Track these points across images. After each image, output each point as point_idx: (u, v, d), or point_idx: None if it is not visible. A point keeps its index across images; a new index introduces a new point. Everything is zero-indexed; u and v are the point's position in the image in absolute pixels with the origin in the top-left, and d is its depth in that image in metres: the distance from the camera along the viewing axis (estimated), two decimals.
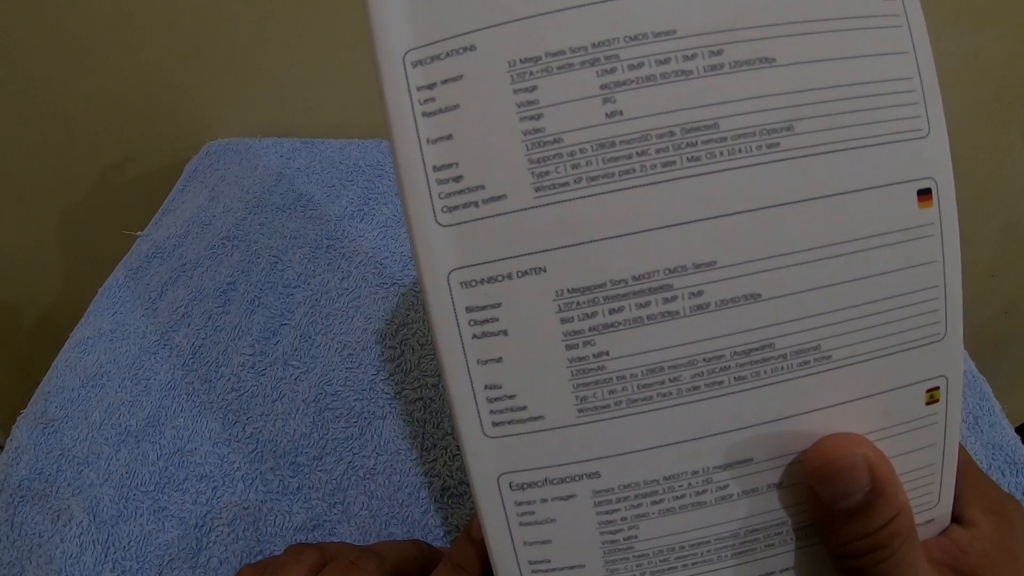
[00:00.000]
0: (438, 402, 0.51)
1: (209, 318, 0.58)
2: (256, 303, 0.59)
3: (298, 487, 0.47)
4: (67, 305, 0.97)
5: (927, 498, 0.28)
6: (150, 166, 0.86)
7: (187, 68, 0.78)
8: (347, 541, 0.42)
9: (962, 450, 0.28)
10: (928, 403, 0.26)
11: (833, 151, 0.24)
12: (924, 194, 0.25)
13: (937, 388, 0.26)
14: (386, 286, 0.60)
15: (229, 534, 0.45)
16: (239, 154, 0.77)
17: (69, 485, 0.48)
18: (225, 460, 0.49)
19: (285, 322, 0.58)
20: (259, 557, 0.44)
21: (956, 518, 0.29)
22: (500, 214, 0.24)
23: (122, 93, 0.80)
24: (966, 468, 0.29)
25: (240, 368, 0.54)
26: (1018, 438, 0.46)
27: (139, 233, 0.69)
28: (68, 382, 0.55)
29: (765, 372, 0.25)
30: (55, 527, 0.46)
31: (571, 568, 0.27)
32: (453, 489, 0.46)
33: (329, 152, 0.76)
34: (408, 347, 0.55)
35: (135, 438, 0.50)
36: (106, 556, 0.44)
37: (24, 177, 0.88)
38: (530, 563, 0.27)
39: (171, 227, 0.69)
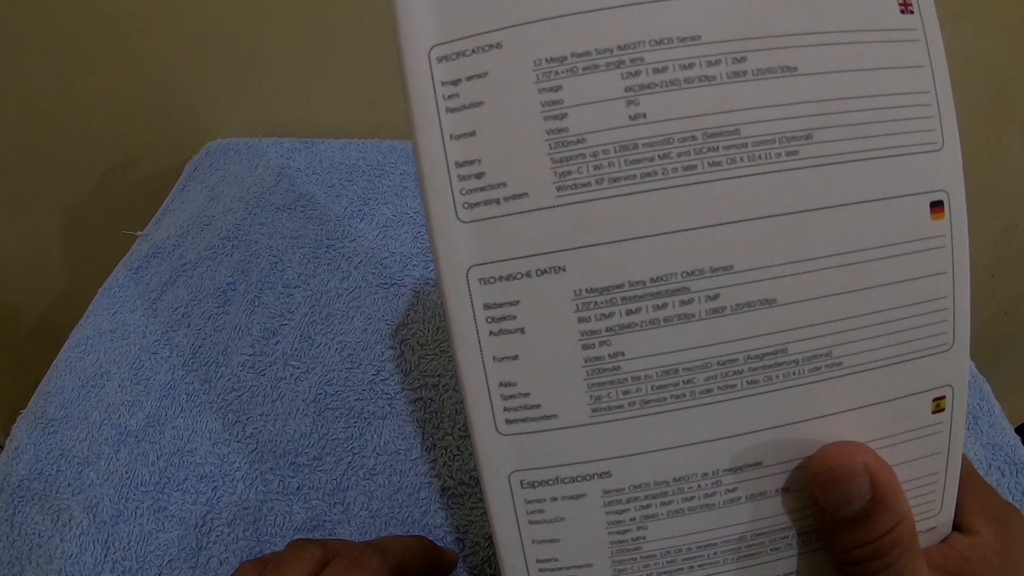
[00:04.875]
0: (438, 402, 0.51)
1: (209, 318, 0.58)
2: (256, 303, 0.59)
3: (298, 487, 0.47)
4: (67, 305, 0.96)
5: (930, 506, 0.28)
6: (150, 166, 0.86)
7: (187, 68, 0.78)
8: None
9: (964, 459, 0.28)
10: (934, 412, 0.27)
11: (850, 161, 0.24)
12: (936, 206, 0.25)
13: (943, 397, 0.26)
14: (386, 286, 0.60)
15: (229, 534, 0.45)
16: (239, 154, 0.77)
17: (69, 485, 0.48)
18: (225, 460, 0.49)
19: (285, 322, 0.58)
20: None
21: (957, 526, 0.29)
22: (521, 212, 0.24)
23: (122, 93, 0.80)
24: (967, 476, 0.29)
25: (240, 368, 0.54)
26: (1018, 438, 0.47)
27: (139, 233, 0.69)
28: (68, 382, 0.54)
29: (777, 377, 0.25)
30: (55, 527, 0.45)
31: (578, 567, 0.27)
32: (453, 489, 0.46)
33: (329, 152, 0.76)
34: (408, 347, 0.55)
35: (135, 438, 0.50)
36: (106, 556, 0.44)
37: (24, 177, 0.88)
38: (538, 561, 0.27)
39: (171, 227, 0.68)
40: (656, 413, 0.25)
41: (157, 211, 0.72)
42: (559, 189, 0.24)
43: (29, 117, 0.82)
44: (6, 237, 0.93)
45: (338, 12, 0.72)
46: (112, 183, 0.87)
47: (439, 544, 0.42)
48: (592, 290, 0.24)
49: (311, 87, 0.79)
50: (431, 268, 0.62)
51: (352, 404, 0.52)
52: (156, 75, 0.78)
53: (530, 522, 0.27)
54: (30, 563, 0.44)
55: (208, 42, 0.75)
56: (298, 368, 0.54)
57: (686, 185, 0.23)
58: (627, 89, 0.23)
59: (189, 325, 0.58)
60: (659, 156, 0.23)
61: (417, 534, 0.43)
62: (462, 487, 0.46)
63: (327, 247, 0.64)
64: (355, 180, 0.72)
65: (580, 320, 0.24)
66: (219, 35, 0.75)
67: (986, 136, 0.76)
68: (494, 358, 0.25)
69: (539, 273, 0.24)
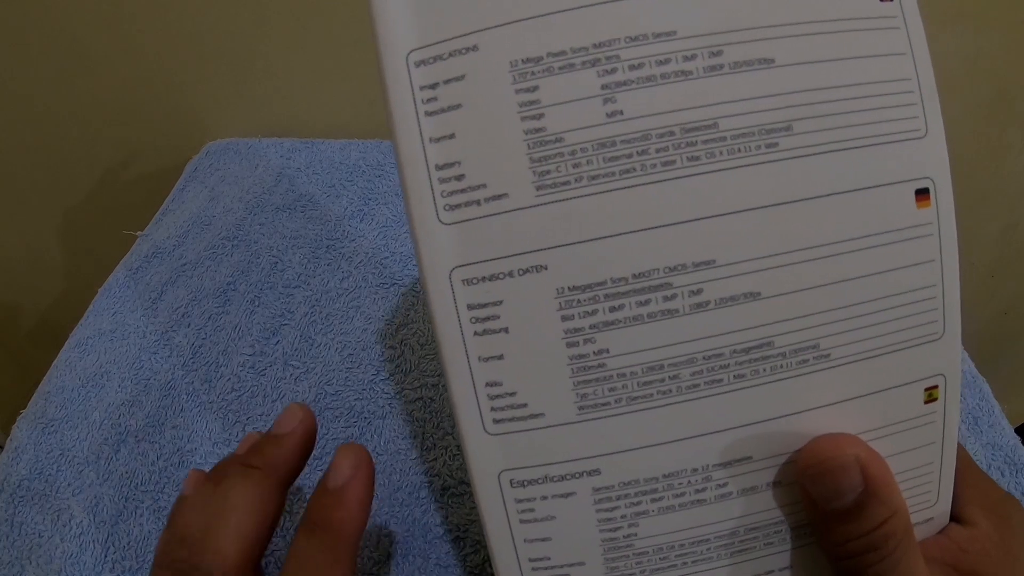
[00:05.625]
0: (438, 402, 0.51)
1: (209, 318, 0.58)
2: (256, 303, 0.59)
3: (298, 487, 0.47)
4: (67, 305, 0.96)
5: (926, 497, 0.28)
6: (150, 166, 0.86)
7: (187, 68, 0.78)
8: None
9: (961, 449, 0.28)
10: (926, 401, 0.26)
11: (832, 151, 0.24)
12: (922, 194, 0.25)
13: (935, 387, 0.26)
14: (386, 286, 0.60)
15: None
16: (239, 154, 0.77)
17: (69, 485, 0.48)
18: None
19: (285, 322, 0.58)
20: None
21: (955, 517, 0.29)
22: (502, 212, 0.24)
23: (122, 93, 0.80)
24: (965, 467, 0.29)
25: (240, 368, 0.54)
26: (1018, 438, 0.46)
27: (139, 233, 0.69)
28: (68, 382, 0.55)
29: (764, 370, 0.25)
30: (55, 527, 0.46)
31: (571, 566, 0.27)
32: (453, 489, 0.46)
33: (329, 152, 0.76)
34: (408, 347, 0.55)
35: (135, 438, 0.50)
36: (106, 556, 0.44)
37: (24, 177, 0.88)
38: (530, 560, 0.27)
39: (171, 227, 0.69)
40: (643, 409, 0.25)
41: (157, 211, 0.72)
42: (539, 188, 0.24)
43: (29, 117, 0.82)
44: (6, 237, 0.94)
45: (338, 12, 0.72)
46: (112, 183, 0.87)
47: (437, 544, 0.42)
48: (574, 288, 0.24)
49: (311, 87, 0.79)
50: None
51: (352, 404, 0.52)
52: (156, 75, 0.78)
53: (521, 521, 0.27)
54: (30, 563, 0.44)
55: (208, 42, 0.76)
56: (298, 368, 0.54)
57: (665, 180, 0.24)
58: (603, 87, 0.23)
59: (189, 325, 0.58)
60: (637, 152, 0.23)
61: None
62: (462, 486, 0.46)
63: (327, 247, 0.64)
64: (355, 180, 0.72)
65: (563, 318, 0.24)
66: (219, 35, 0.75)
67: (986, 136, 0.76)
68: (479, 358, 0.25)
69: (521, 272, 0.24)
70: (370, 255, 0.63)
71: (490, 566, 0.43)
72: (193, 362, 0.55)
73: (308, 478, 0.47)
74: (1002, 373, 0.96)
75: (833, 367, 0.25)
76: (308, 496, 0.46)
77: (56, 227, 0.92)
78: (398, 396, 0.52)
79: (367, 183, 0.71)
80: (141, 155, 0.85)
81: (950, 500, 0.28)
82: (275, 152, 0.77)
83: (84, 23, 0.74)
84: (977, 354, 0.52)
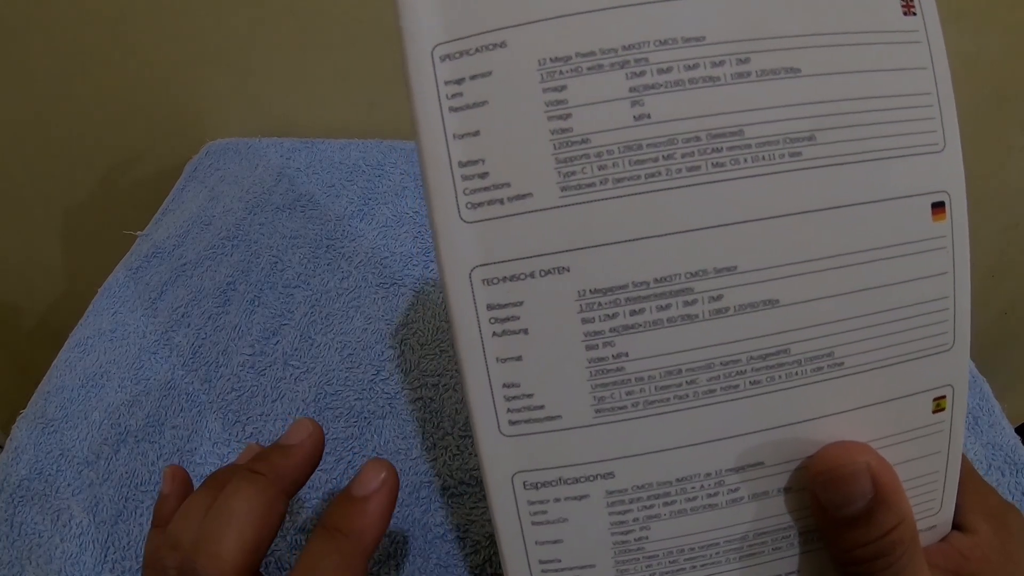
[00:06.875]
0: (438, 401, 0.51)
1: (209, 318, 0.58)
2: (256, 303, 0.59)
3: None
4: (67, 305, 0.96)
5: (930, 504, 0.28)
6: (150, 166, 0.86)
7: (187, 68, 0.78)
8: None
9: (963, 458, 0.28)
10: (935, 411, 0.27)
11: (853, 162, 0.24)
12: (938, 207, 0.25)
13: (944, 397, 0.27)
14: (386, 286, 0.60)
15: None
16: (239, 154, 0.77)
17: (69, 485, 0.48)
18: (225, 460, 0.49)
19: (285, 322, 0.58)
20: None
21: (957, 524, 0.29)
22: (525, 212, 0.24)
23: (122, 93, 0.80)
24: (966, 475, 0.29)
25: (240, 368, 0.54)
26: (1018, 438, 0.47)
27: (139, 233, 0.69)
28: (68, 382, 0.54)
29: (780, 377, 0.25)
30: (55, 527, 0.45)
31: (581, 568, 0.27)
32: (453, 489, 0.46)
33: (329, 152, 0.76)
34: (408, 347, 0.55)
35: (135, 438, 0.50)
36: (106, 556, 0.44)
37: (24, 177, 0.88)
38: (540, 562, 0.27)
39: (171, 227, 0.68)
40: (659, 414, 0.25)
41: (157, 211, 0.72)
42: (563, 189, 0.24)
43: (29, 117, 0.82)
44: (6, 237, 0.93)
45: (338, 12, 0.72)
46: (112, 183, 0.87)
47: (437, 544, 0.42)
48: (596, 291, 0.24)
49: (311, 87, 0.79)
50: (431, 268, 0.62)
51: (352, 404, 0.52)
52: (156, 75, 0.78)
53: (533, 523, 0.27)
54: (30, 563, 0.44)
55: (208, 42, 0.75)
56: (298, 368, 0.54)
57: (690, 186, 0.24)
58: (631, 89, 0.23)
59: (189, 325, 0.58)
60: (663, 156, 0.23)
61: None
62: (462, 486, 0.46)
63: (327, 247, 0.64)
64: (355, 180, 0.72)
65: (584, 321, 0.24)
66: (219, 35, 0.75)
67: (986, 136, 0.76)
68: (497, 359, 0.25)
69: (543, 274, 0.24)
70: (370, 255, 0.63)
71: (491, 566, 0.43)
72: (193, 362, 0.55)
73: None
74: (1002, 373, 0.96)
75: (846, 375, 0.26)
76: (306, 499, 0.46)
77: (56, 227, 0.92)
78: (398, 396, 0.52)
79: (367, 183, 0.71)
80: (141, 155, 0.85)
81: (953, 508, 0.28)
82: (275, 152, 0.77)
83: (84, 23, 0.74)
84: (977, 354, 0.52)
